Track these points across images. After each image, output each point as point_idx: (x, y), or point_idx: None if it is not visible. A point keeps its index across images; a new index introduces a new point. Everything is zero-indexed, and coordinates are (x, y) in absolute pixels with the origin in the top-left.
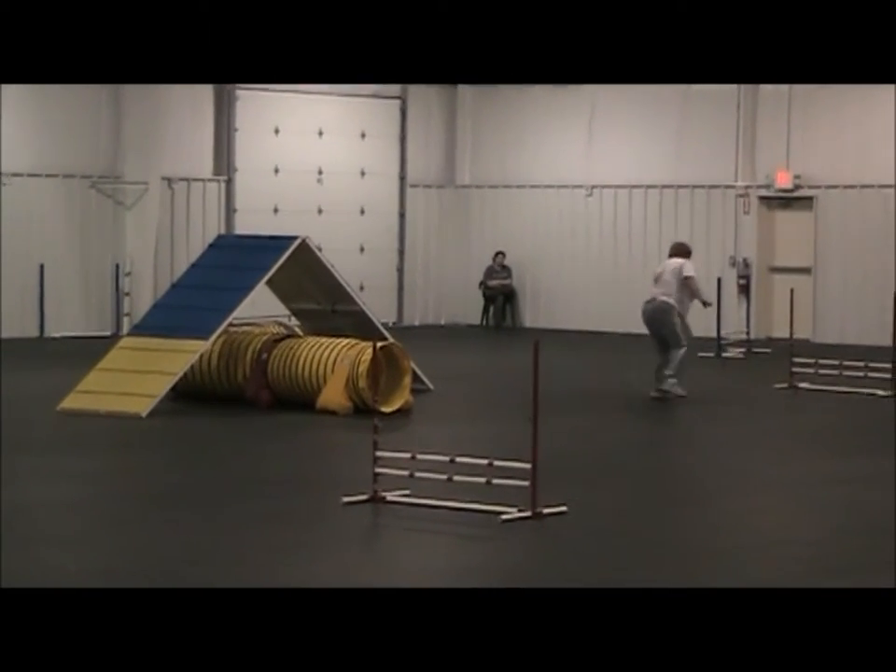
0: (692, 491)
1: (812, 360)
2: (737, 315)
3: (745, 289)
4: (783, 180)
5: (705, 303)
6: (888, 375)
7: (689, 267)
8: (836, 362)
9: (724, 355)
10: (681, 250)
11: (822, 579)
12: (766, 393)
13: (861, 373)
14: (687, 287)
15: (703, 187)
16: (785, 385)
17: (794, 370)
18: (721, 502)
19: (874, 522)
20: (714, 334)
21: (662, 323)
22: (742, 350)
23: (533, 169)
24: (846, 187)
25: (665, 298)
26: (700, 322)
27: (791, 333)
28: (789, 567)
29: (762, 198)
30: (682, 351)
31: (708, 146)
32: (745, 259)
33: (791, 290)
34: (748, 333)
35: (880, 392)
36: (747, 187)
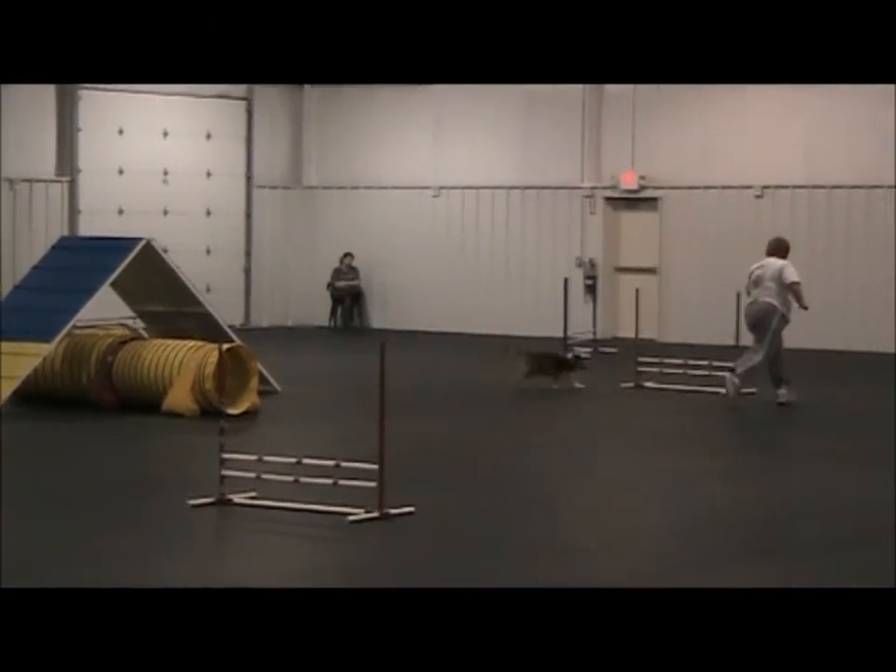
0: (540, 490)
1: (657, 359)
2: (584, 315)
3: (591, 289)
4: (628, 181)
5: (804, 307)
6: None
7: (791, 271)
8: (681, 361)
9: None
10: (780, 247)
11: (672, 576)
12: (613, 392)
13: (705, 372)
14: (792, 291)
15: (549, 188)
16: (631, 385)
17: (640, 369)
18: (569, 501)
19: (720, 518)
20: (561, 334)
21: (761, 324)
22: (589, 350)
23: (380, 170)
24: (690, 187)
25: (768, 299)
26: (547, 323)
27: (637, 333)
28: (637, 564)
29: (607, 199)
30: (761, 355)
31: (554, 147)
32: (591, 260)
33: (637, 290)
34: (594, 333)
35: (724, 390)
36: (592, 188)
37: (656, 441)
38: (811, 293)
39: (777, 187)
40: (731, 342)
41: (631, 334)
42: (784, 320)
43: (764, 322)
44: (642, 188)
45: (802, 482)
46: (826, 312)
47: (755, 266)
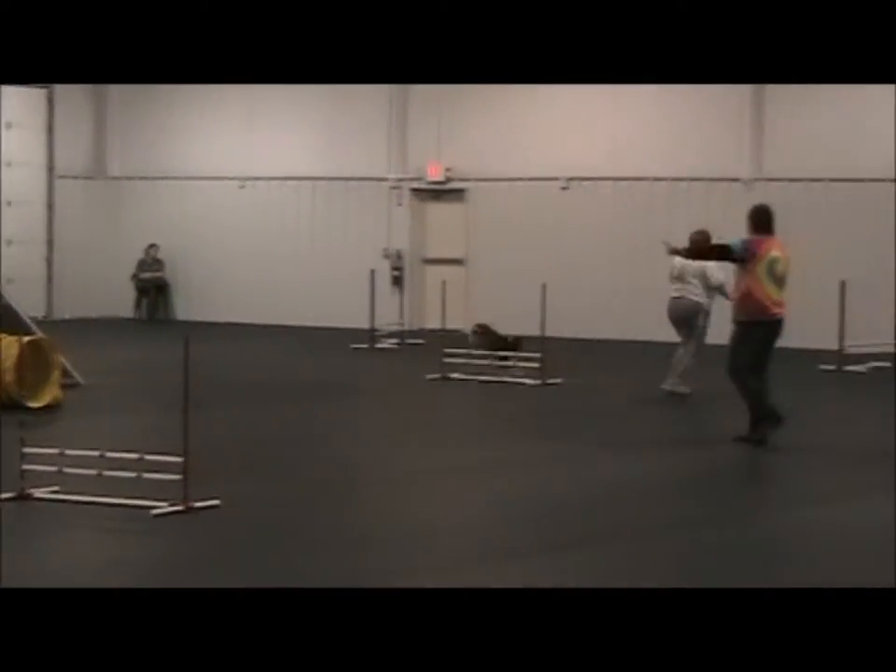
0: (345, 482)
1: (464, 351)
2: (391, 306)
3: (398, 281)
4: (434, 173)
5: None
6: (536, 364)
7: (713, 274)
8: (488, 352)
9: (378, 346)
10: (702, 241)
11: (470, 566)
12: (419, 383)
13: (511, 363)
14: (719, 293)
15: (355, 179)
16: (438, 376)
17: (446, 360)
18: (374, 492)
19: (519, 508)
20: (368, 325)
21: (685, 321)
22: (396, 341)
23: (185, 161)
24: (496, 179)
25: (693, 297)
26: (354, 314)
27: (444, 324)
28: (439, 554)
29: (414, 190)
30: (690, 353)
31: (361, 139)
32: (398, 251)
33: (444, 282)
34: (401, 324)
35: (529, 381)
36: (399, 179)
37: (460, 431)
38: (612, 285)
39: (582, 179)
40: (536, 332)
41: (438, 325)
42: (708, 316)
43: (689, 320)
44: (448, 179)
45: (599, 469)
46: (624, 302)
47: (677, 259)
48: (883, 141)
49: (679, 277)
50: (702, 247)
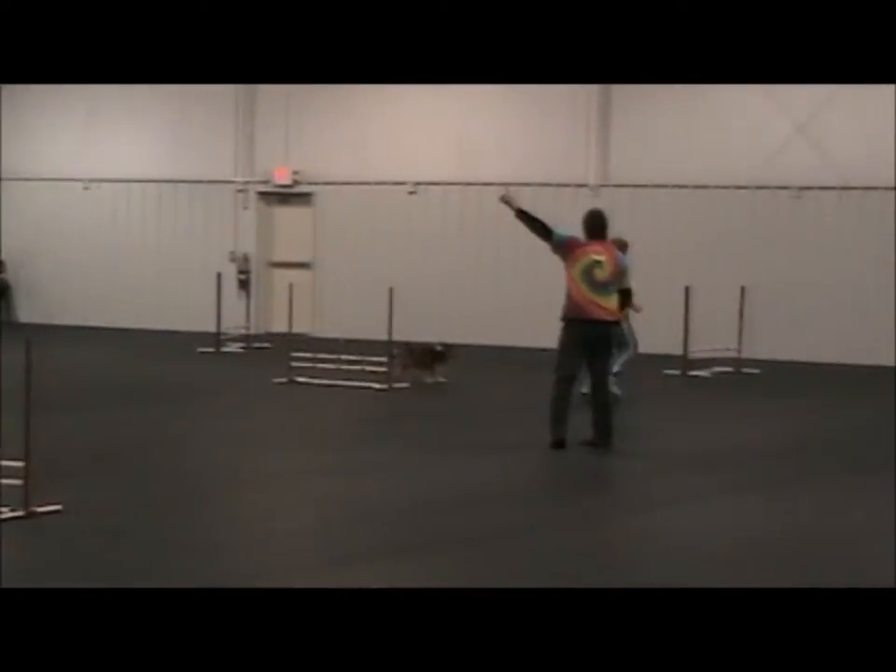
0: (191, 487)
1: (311, 354)
2: (237, 309)
3: (245, 284)
4: (282, 176)
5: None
6: (383, 369)
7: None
8: (335, 356)
9: (225, 350)
10: (619, 247)
11: (319, 570)
12: (265, 387)
13: (358, 367)
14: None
15: (202, 182)
16: (284, 380)
17: (293, 364)
18: (220, 497)
19: (365, 512)
20: (214, 329)
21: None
22: (242, 345)
23: (29, 162)
24: (343, 183)
25: None
26: (201, 317)
27: (291, 327)
28: (288, 558)
29: (261, 193)
30: (627, 353)
31: (207, 141)
32: (245, 255)
33: (291, 285)
34: (248, 328)
35: (376, 385)
36: (246, 182)
37: (306, 435)
38: (460, 289)
39: (429, 183)
40: (383, 336)
41: (285, 329)
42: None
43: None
44: (296, 182)
45: (445, 474)
46: (472, 305)
47: None
48: (723, 148)
49: None
50: (530, 217)
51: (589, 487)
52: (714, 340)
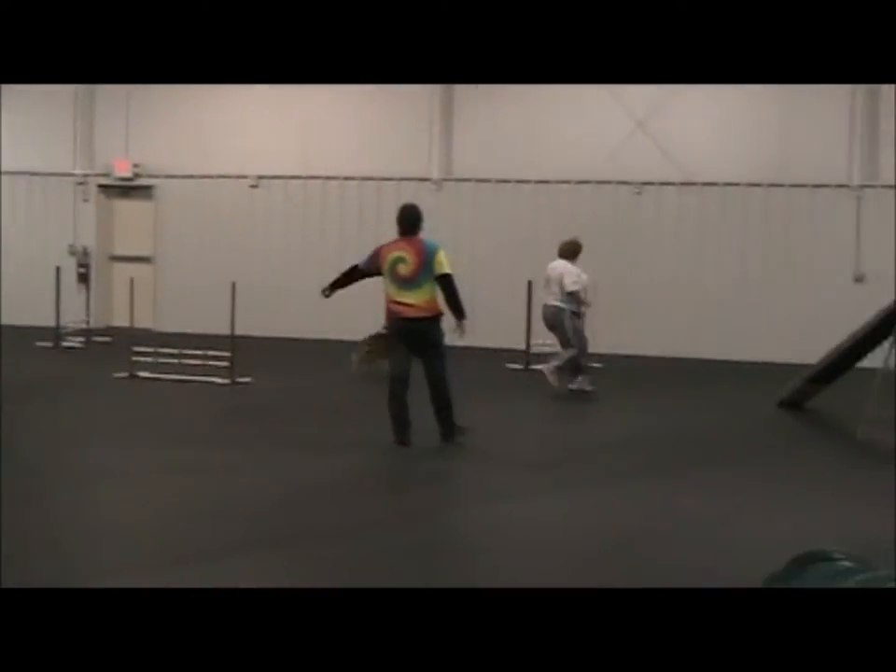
0: (29, 485)
1: (152, 349)
2: (77, 303)
3: (84, 278)
4: (122, 169)
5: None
6: (226, 364)
7: (570, 280)
8: (177, 351)
9: (64, 344)
10: (569, 250)
11: (157, 569)
12: (106, 382)
13: (201, 362)
14: (574, 299)
15: (41, 174)
16: (125, 375)
17: (135, 358)
18: (59, 495)
19: (208, 509)
20: (53, 323)
21: (554, 327)
22: (82, 339)
23: None
24: (185, 176)
25: (554, 302)
26: (39, 311)
27: (132, 322)
28: (129, 556)
29: (101, 186)
30: (570, 352)
31: (46, 133)
32: (84, 248)
33: (132, 279)
34: (88, 322)
35: (218, 380)
36: (86, 175)
37: (148, 431)
38: (301, 284)
39: (272, 177)
40: (226, 331)
41: (126, 323)
42: (575, 316)
43: (556, 325)
44: (137, 175)
45: (286, 471)
46: (313, 301)
47: (549, 266)
48: (565, 143)
49: (546, 285)
50: (341, 279)
51: (427, 484)
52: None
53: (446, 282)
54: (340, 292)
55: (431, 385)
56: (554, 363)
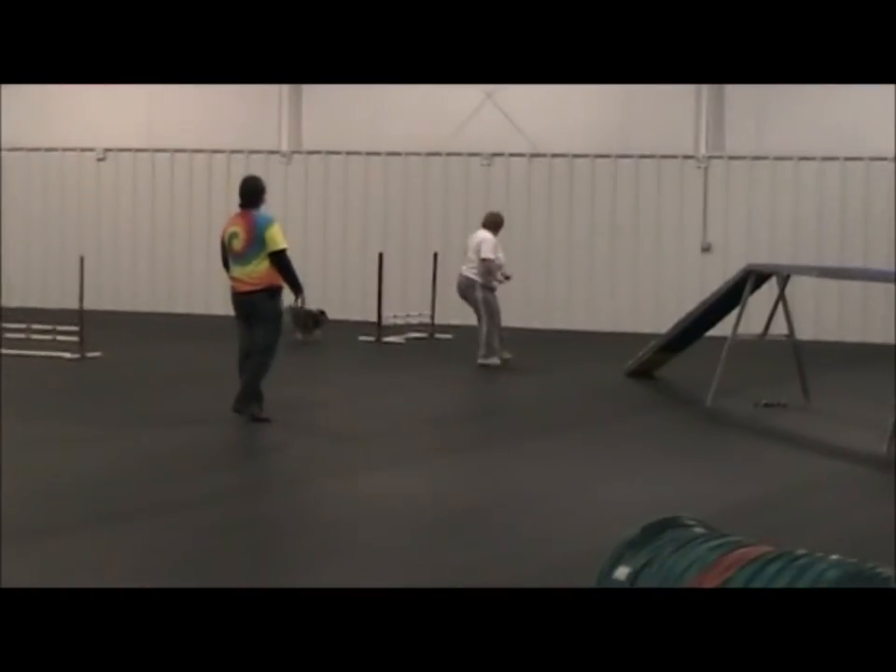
0: None
1: None
2: None
3: None
4: None
5: (505, 277)
6: (75, 338)
7: (486, 248)
8: (24, 326)
9: None
10: (490, 221)
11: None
12: None
13: (49, 336)
14: (483, 266)
15: None
16: None
17: None
18: None
19: (50, 484)
20: None
21: (466, 298)
22: None
23: None
24: (29, 149)
25: (467, 273)
26: None
27: None
28: None
29: None
30: (484, 325)
31: None
32: None
33: None
34: None
35: (68, 355)
36: None
37: None
38: (151, 258)
39: (119, 150)
40: (74, 305)
41: None
42: (486, 288)
43: (468, 294)
44: None
45: (131, 445)
46: (164, 275)
47: (470, 236)
48: (415, 114)
49: (465, 254)
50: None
51: (265, 456)
52: (408, 306)
53: (278, 258)
54: (192, 267)
55: (248, 355)
56: (481, 353)
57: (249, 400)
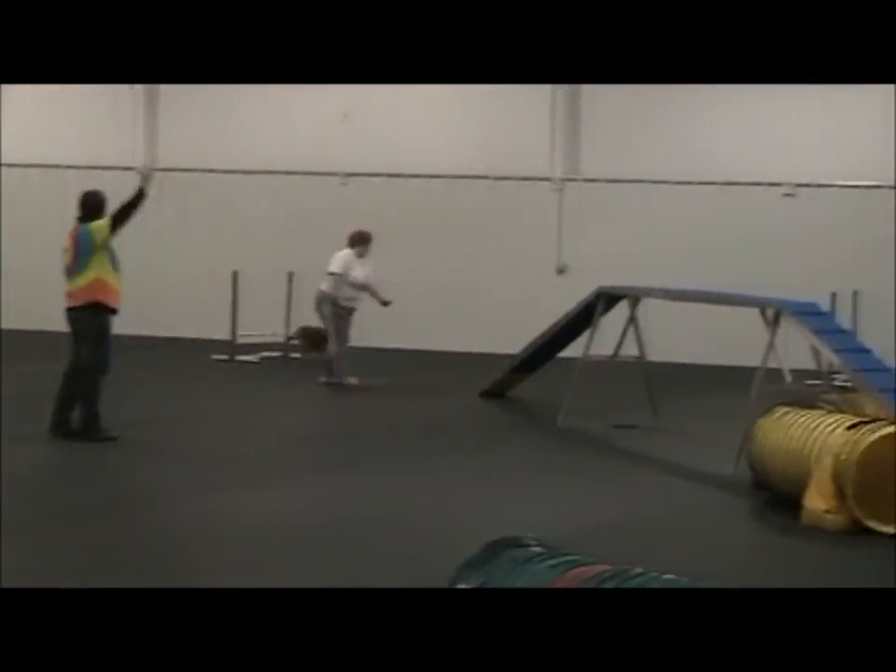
0: None
1: None
2: None
3: None
4: None
5: (383, 303)
6: None
7: (335, 262)
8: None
9: None
10: (352, 238)
11: None
12: None
13: None
14: (334, 283)
15: None
16: None
17: None
18: None
19: None
20: None
21: (320, 312)
22: None
23: None
24: None
25: (322, 287)
26: None
27: None
28: None
29: None
30: (333, 343)
31: None
32: None
33: None
34: None
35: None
36: None
37: None
38: None
39: None
40: None
41: None
42: (337, 306)
43: (320, 309)
44: None
45: None
46: None
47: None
48: (276, 133)
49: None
50: None
51: (97, 479)
52: (263, 325)
53: (115, 217)
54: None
55: (76, 373)
56: (330, 372)
57: (89, 422)
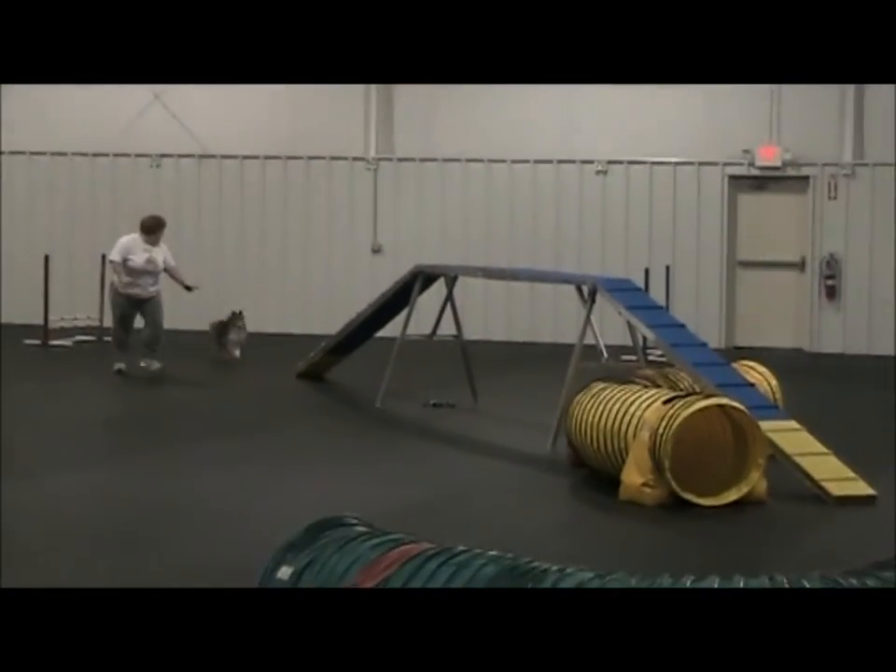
0: None
1: None
2: None
3: None
4: None
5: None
6: None
7: (114, 249)
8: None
9: None
10: (141, 224)
11: None
12: None
13: None
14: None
15: None
16: None
17: None
18: None
19: None
20: None
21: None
22: None
23: None
24: None
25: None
26: None
27: None
28: None
29: None
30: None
31: None
32: None
33: None
34: None
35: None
36: None
37: None
38: None
39: None
40: None
41: None
42: (113, 292)
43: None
44: None
45: None
46: None
47: None
48: (76, 115)
49: None
50: None
51: None
52: (75, 309)
53: None
54: None
55: None
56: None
57: None
